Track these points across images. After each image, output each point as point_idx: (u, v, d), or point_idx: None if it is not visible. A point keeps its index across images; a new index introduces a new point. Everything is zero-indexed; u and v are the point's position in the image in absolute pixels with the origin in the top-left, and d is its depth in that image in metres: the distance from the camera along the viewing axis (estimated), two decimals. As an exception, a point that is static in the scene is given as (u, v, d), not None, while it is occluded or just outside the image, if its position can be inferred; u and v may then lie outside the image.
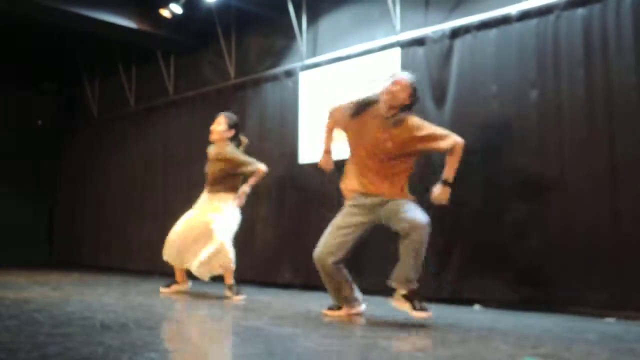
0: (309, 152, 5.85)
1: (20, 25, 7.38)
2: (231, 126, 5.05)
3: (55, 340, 2.56)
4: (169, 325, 3.15)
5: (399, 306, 3.46)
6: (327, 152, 3.93)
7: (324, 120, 3.94)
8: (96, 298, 4.44)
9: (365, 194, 3.62)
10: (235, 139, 5.11)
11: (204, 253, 4.75)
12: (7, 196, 9.35)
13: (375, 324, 3.43)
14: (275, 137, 6.21)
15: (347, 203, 3.71)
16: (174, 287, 5.08)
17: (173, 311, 3.78)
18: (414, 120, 3.59)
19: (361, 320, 3.55)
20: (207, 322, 3.49)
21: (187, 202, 7.44)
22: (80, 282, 5.95)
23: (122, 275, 7.15)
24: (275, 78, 6.33)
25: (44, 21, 6.98)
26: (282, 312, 3.93)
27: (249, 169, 4.93)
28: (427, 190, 3.65)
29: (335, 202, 5.48)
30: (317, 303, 4.27)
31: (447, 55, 4.83)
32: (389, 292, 4.85)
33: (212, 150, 5.13)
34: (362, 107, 3.68)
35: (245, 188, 4.93)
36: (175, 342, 2.69)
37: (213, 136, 5.04)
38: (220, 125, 5.02)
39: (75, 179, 9.55)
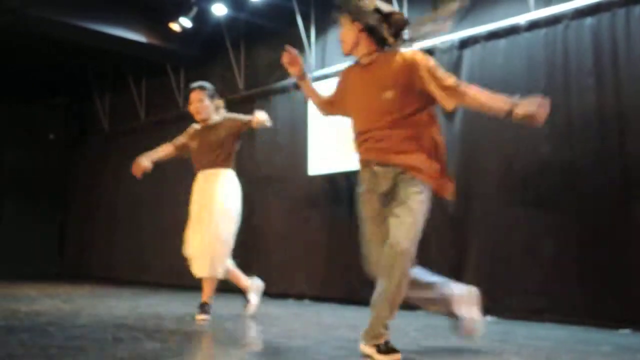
0: (318, 164, 5.85)
1: (31, 40, 7.45)
2: (212, 96, 4.46)
3: (68, 353, 2.57)
4: (181, 338, 3.15)
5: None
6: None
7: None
8: (108, 310, 4.45)
9: None
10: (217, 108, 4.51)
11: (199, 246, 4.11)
12: (19, 209, 9.43)
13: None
14: (284, 149, 6.22)
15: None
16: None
17: (184, 323, 3.78)
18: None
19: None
20: (219, 334, 3.48)
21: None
22: (91, 295, 5.96)
23: (133, 287, 7.17)
24: (284, 90, 6.35)
25: (54, 36, 7.05)
26: (294, 324, 3.92)
27: (247, 118, 4.36)
28: None
29: (346, 212, 5.48)
30: (329, 314, 4.26)
31: (457, 65, 4.82)
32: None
33: (201, 129, 4.48)
34: None
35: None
36: (187, 354, 2.68)
37: (201, 116, 4.39)
38: (201, 101, 4.37)
39: (86, 191, 9.60)
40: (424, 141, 2.74)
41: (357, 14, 2.78)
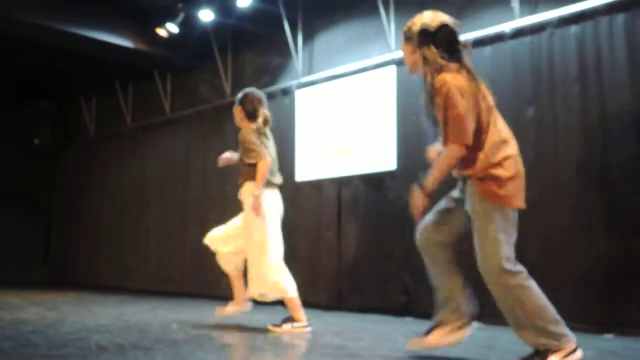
0: (306, 170, 5.85)
1: (17, 44, 7.40)
2: (240, 102, 4.16)
3: (50, 363, 2.54)
4: (165, 346, 3.13)
5: None
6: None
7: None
8: (92, 318, 4.41)
9: None
10: (252, 117, 4.11)
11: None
12: (3, 215, 9.31)
13: (374, 342, 3.41)
14: (271, 154, 6.20)
15: None
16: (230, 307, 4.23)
17: (169, 331, 3.76)
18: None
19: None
20: (204, 342, 3.46)
21: (184, 220, 7.43)
22: (76, 302, 5.91)
23: (118, 294, 7.11)
24: (271, 96, 6.33)
25: (40, 41, 7.00)
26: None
27: (251, 160, 3.94)
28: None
29: (333, 220, 5.48)
30: (314, 320, 4.25)
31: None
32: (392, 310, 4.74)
33: None
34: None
35: (255, 193, 3.86)
36: (172, 363, 2.66)
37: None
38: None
39: (71, 197, 9.53)
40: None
41: (407, 35, 2.75)
